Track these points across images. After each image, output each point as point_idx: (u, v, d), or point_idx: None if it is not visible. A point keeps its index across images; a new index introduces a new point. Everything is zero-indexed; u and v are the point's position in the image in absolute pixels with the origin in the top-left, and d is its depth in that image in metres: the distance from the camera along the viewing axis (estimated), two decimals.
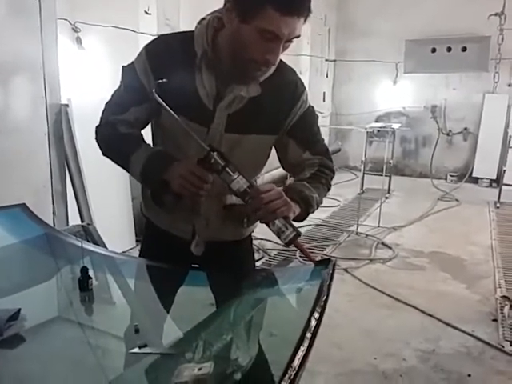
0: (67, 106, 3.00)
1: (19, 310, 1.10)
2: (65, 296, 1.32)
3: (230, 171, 1.14)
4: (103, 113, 1.35)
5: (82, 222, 3.25)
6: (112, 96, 1.34)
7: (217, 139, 1.27)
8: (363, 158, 5.38)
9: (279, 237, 1.18)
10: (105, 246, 1.67)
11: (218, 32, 1.22)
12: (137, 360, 0.97)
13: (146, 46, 1.28)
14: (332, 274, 1.11)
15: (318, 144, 1.41)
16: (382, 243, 4.37)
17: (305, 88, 1.37)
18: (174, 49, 1.25)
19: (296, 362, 0.84)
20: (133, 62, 1.29)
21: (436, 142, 7.25)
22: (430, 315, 3.00)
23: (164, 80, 1.19)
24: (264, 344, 1.14)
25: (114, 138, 1.31)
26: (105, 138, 1.34)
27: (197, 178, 1.15)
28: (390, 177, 5.94)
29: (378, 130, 5.78)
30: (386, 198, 5.89)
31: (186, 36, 1.25)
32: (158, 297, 1.46)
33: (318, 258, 1.30)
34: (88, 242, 1.66)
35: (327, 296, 1.03)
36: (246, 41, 1.13)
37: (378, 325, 2.90)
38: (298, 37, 1.16)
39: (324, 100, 7.61)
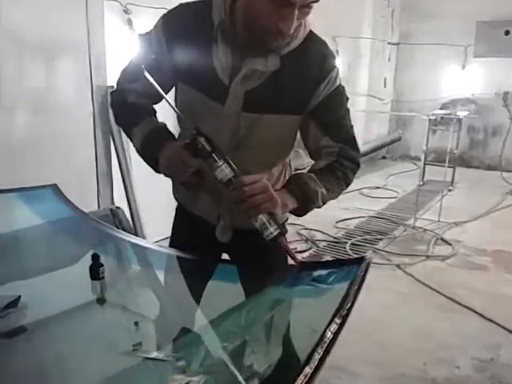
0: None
1: (19, 297, 1.04)
2: (77, 285, 1.25)
3: (216, 158, 1.05)
4: (118, 79, 1.31)
5: (129, 204, 3.25)
6: (128, 62, 1.29)
7: (234, 118, 1.17)
8: (424, 147, 5.07)
9: (262, 233, 1.07)
10: (133, 232, 1.59)
11: (236, 0, 1.11)
12: (127, 362, 0.88)
13: (164, 15, 1.20)
14: (364, 276, 0.96)
15: (341, 130, 1.25)
16: (442, 239, 4.08)
17: (335, 64, 1.21)
18: (191, 18, 1.17)
19: None
20: (150, 31, 1.21)
21: (507, 132, 6.71)
22: (491, 320, 2.74)
23: (153, 56, 1.16)
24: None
25: (122, 107, 1.27)
26: (114, 106, 1.31)
27: (180, 161, 1.10)
28: (453, 168, 5.56)
29: (442, 118, 5.40)
30: (449, 190, 5.52)
31: (205, 4, 1.16)
32: (185, 290, 1.37)
33: (303, 259, 1.16)
34: (116, 226, 1.59)
35: (352, 303, 0.89)
36: (259, 8, 1.03)
37: (431, 327, 2.68)
38: (317, 1, 1.02)
39: (385, 86, 7.25)
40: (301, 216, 1.22)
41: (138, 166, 3.13)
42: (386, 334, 2.57)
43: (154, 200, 3.33)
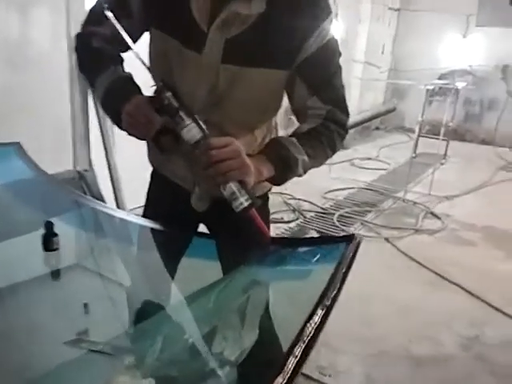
0: None
1: None
2: (31, 255, 1.12)
3: (183, 115, 0.93)
4: (84, 20, 1.15)
5: (109, 168, 3.08)
6: (96, 1, 1.12)
7: (212, 71, 1.03)
8: (420, 119, 4.92)
9: (231, 203, 0.96)
10: (102, 198, 1.45)
11: None
12: (66, 355, 0.76)
13: None
14: (353, 258, 0.84)
15: (331, 89, 1.11)
16: (431, 213, 4.00)
17: (330, 12, 1.05)
18: None
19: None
20: None
21: (504, 106, 6.57)
22: (478, 297, 2.68)
23: None
24: None
25: (85, 53, 1.13)
26: (78, 51, 1.15)
27: (144, 118, 0.98)
28: (447, 141, 5.44)
29: (440, 88, 5.24)
30: (442, 164, 5.42)
31: None
32: (156, 264, 1.26)
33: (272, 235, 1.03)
34: (84, 191, 1.45)
35: (338, 291, 0.78)
36: None
37: (417, 303, 2.60)
38: None
39: (383, 52, 7.03)
40: (278, 185, 1.10)
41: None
42: (370, 309, 2.50)
43: (136, 164, 3.18)
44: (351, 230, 3.58)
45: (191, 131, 0.93)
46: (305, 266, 0.94)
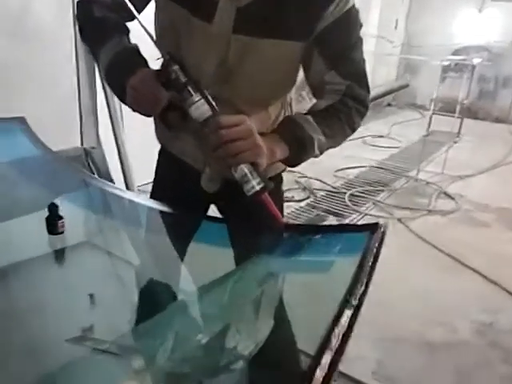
0: None
1: None
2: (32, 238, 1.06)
3: (191, 91, 0.85)
4: None
5: (117, 144, 3.00)
6: None
7: (223, 42, 0.95)
8: (434, 96, 4.79)
9: (242, 187, 0.89)
10: (109, 177, 1.39)
11: None
12: (70, 354, 0.70)
13: None
14: (378, 250, 0.77)
15: (350, 63, 1.02)
16: (444, 193, 3.91)
17: None
18: None
19: None
20: None
21: None
22: (493, 282, 2.61)
23: None
24: None
25: (88, 22, 1.05)
26: (80, 19, 1.08)
27: (149, 93, 0.90)
28: (461, 119, 5.30)
29: (456, 64, 5.08)
30: (455, 142, 5.29)
31: None
32: (165, 248, 1.20)
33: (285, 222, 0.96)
34: (90, 169, 1.38)
35: (368, 281, 0.71)
36: None
37: (430, 287, 2.54)
38: None
39: (396, 27, 6.82)
40: (292, 167, 1.03)
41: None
42: (382, 293, 2.43)
43: (146, 140, 3.11)
44: (362, 209, 3.50)
45: (200, 108, 0.85)
46: (325, 257, 0.86)
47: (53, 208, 0.98)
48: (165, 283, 1.20)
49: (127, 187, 2.65)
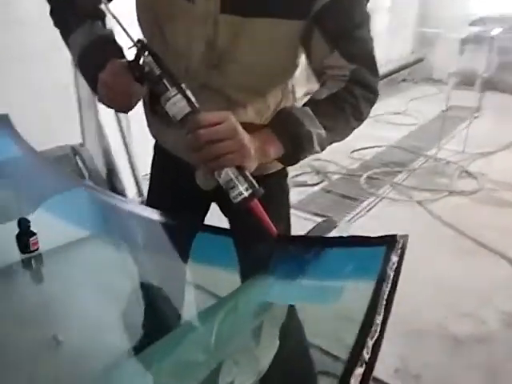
0: None
1: None
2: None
3: (167, 84, 0.73)
4: None
5: (123, 134, 2.90)
6: None
7: (209, 23, 0.82)
8: (452, 70, 4.58)
9: (228, 193, 0.77)
10: (102, 177, 1.28)
11: None
12: None
13: None
14: (398, 267, 0.64)
15: (356, 43, 0.89)
16: (466, 172, 3.73)
17: None
18: None
19: None
20: None
21: None
22: None
23: None
24: None
25: (58, 4, 0.94)
26: (51, 2, 0.95)
27: (121, 89, 0.79)
28: (481, 93, 5.05)
29: (474, 36, 4.83)
30: (475, 117, 5.06)
31: None
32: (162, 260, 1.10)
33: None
34: (79, 169, 1.27)
35: (387, 307, 0.58)
36: None
37: (453, 275, 2.40)
38: None
39: None
40: (289, 165, 0.92)
41: None
42: (402, 282, 2.30)
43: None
44: (380, 192, 3.35)
45: (176, 104, 0.73)
46: (333, 281, 0.73)
47: (23, 224, 0.86)
48: (166, 297, 1.12)
49: (134, 177, 2.57)
